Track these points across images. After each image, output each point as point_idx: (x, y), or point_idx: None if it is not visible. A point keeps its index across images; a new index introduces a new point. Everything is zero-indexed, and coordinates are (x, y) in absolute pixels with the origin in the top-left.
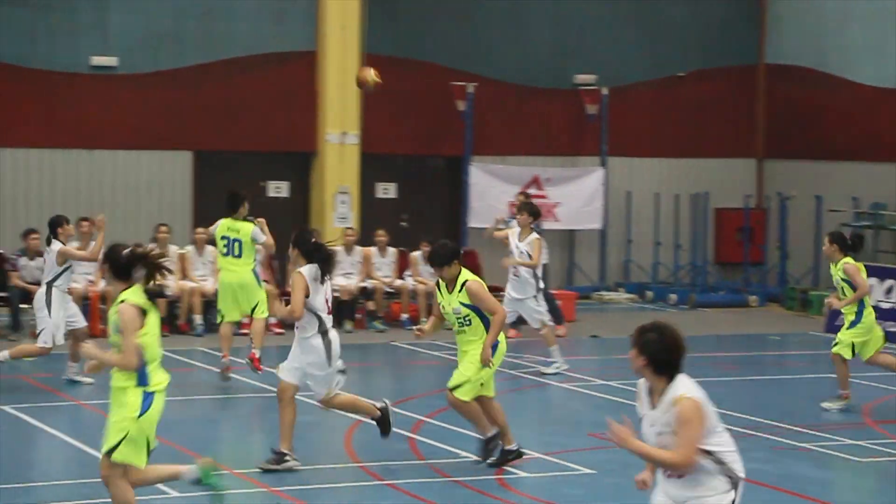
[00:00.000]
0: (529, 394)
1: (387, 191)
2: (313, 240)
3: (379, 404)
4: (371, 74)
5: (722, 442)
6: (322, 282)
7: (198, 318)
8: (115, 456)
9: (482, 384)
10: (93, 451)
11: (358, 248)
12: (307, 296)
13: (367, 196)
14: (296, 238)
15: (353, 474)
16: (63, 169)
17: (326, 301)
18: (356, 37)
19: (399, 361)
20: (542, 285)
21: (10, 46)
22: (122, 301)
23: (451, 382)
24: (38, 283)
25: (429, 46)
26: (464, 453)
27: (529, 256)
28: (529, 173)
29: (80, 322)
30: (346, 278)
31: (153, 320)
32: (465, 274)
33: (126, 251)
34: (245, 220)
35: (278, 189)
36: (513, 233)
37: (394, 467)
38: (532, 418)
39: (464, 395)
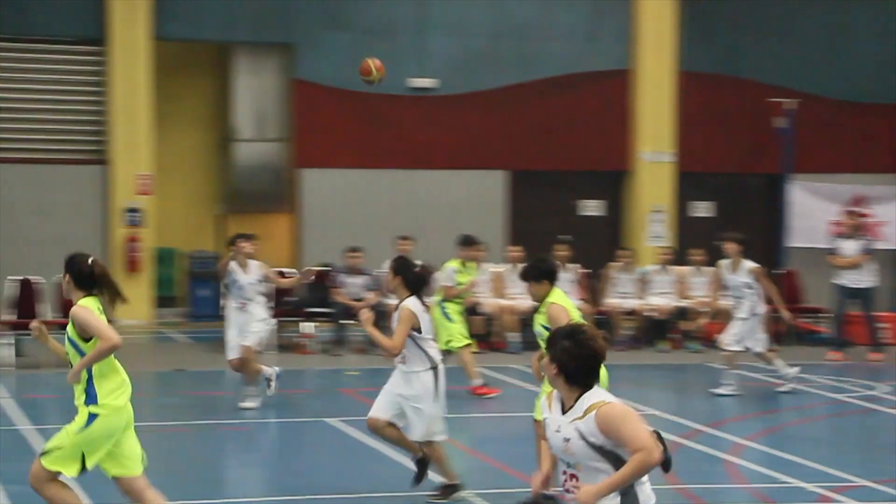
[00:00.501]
0: (856, 419)
1: (703, 209)
2: (416, 268)
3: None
4: (376, 65)
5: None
6: (428, 313)
7: (513, 336)
8: (44, 460)
9: None
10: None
11: (673, 268)
12: (417, 330)
13: (683, 215)
14: (398, 265)
15: (669, 497)
16: (385, 188)
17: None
18: (671, 54)
19: (715, 383)
20: (759, 310)
21: (334, 70)
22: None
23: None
24: (360, 300)
25: (746, 63)
26: (785, 478)
27: (750, 286)
28: (852, 192)
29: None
30: (661, 297)
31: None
32: (554, 296)
33: (90, 261)
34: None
35: (592, 208)
36: (725, 265)
37: (715, 490)
38: (859, 444)
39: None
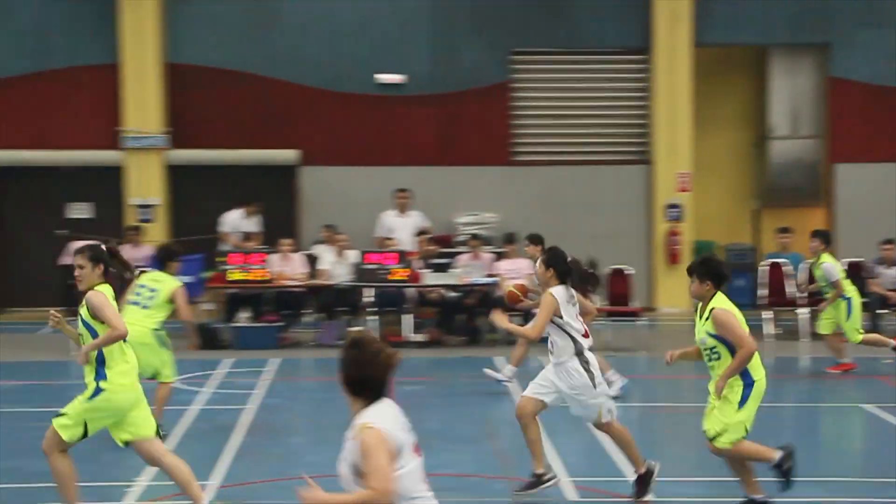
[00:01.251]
0: None
1: None
2: (568, 259)
3: (650, 462)
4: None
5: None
6: (574, 303)
7: None
8: (54, 421)
9: (746, 427)
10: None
11: None
12: (559, 317)
13: None
14: (549, 257)
15: None
16: None
17: (583, 324)
18: None
19: None
20: None
21: (869, 67)
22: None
23: (709, 432)
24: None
25: None
26: None
27: None
28: None
29: None
30: None
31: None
32: (717, 300)
33: (104, 247)
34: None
35: None
36: None
37: None
38: None
39: (724, 443)
